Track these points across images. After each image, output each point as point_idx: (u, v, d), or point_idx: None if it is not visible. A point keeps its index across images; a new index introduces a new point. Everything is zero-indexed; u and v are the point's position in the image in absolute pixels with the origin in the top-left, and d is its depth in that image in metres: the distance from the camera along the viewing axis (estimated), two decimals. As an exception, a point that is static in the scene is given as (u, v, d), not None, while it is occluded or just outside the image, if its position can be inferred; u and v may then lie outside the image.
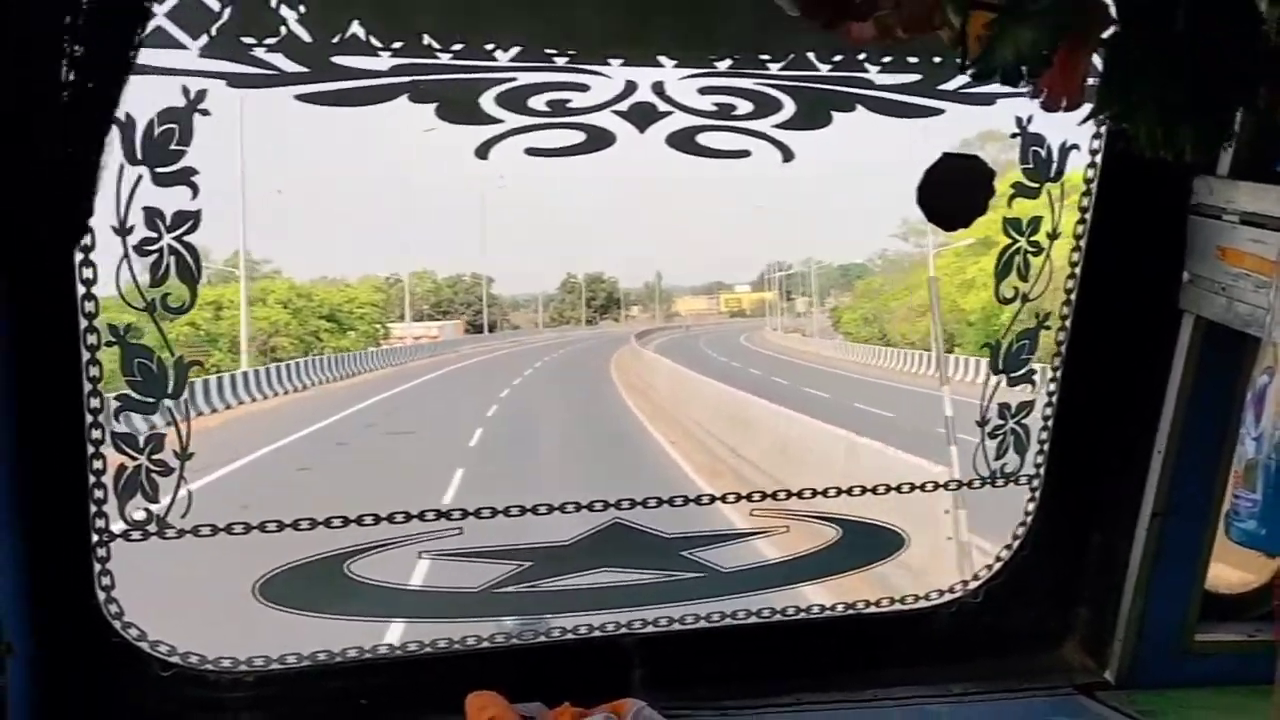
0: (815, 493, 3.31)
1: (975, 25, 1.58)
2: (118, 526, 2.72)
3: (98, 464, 2.64)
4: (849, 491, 3.38)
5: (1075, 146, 2.97)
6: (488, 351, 59.45)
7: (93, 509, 2.67)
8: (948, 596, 3.39)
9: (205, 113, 2.49)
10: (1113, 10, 1.57)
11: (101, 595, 2.73)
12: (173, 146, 2.48)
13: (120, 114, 2.41)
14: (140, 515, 2.73)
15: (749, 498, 3.33)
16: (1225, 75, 1.55)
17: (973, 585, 3.39)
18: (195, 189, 2.53)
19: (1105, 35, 1.58)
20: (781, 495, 3.33)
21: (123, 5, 2.15)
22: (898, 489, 3.50)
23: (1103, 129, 2.83)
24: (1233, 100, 1.63)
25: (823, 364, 49.55)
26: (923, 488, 3.57)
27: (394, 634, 3.04)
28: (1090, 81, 1.67)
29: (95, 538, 2.69)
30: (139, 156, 2.47)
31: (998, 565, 3.38)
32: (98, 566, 2.71)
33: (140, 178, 2.48)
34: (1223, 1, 1.56)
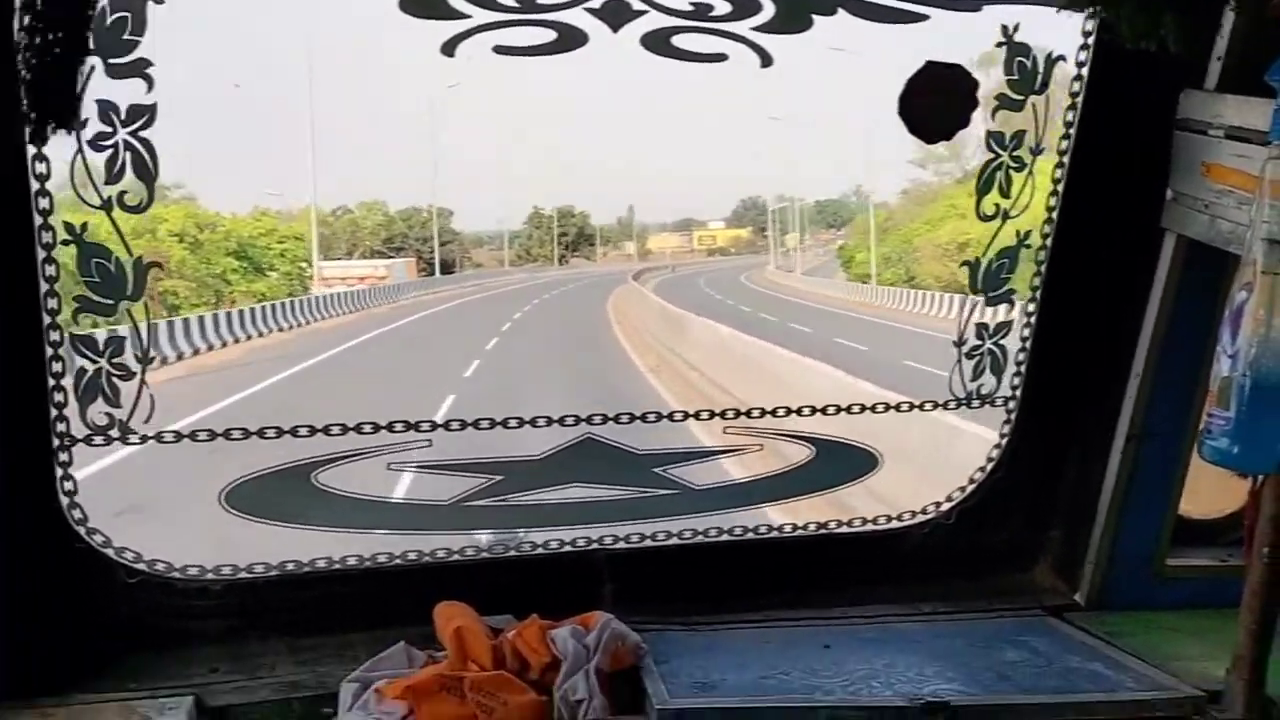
0: (789, 411, 3.28)
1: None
2: (79, 430, 2.68)
3: (57, 366, 2.60)
4: (824, 410, 3.35)
5: (1062, 58, 2.89)
6: (442, 300, 46.41)
7: (53, 412, 2.62)
8: (920, 517, 3.39)
9: (159, 0, 2.40)
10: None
11: (64, 500, 2.71)
12: (126, 36, 2.39)
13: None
14: (102, 420, 2.69)
15: (722, 415, 3.30)
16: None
17: (946, 506, 3.39)
18: (150, 82, 2.45)
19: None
20: (756, 413, 3.31)
21: None
22: (872, 409, 3.48)
23: (1089, 39, 2.75)
24: None
25: (884, 316, 37.16)
26: (897, 408, 3.55)
27: (363, 545, 3.01)
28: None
29: (56, 442, 2.65)
30: (91, 47, 2.38)
31: (971, 487, 3.38)
32: (60, 471, 2.68)
33: (93, 69, 2.39)
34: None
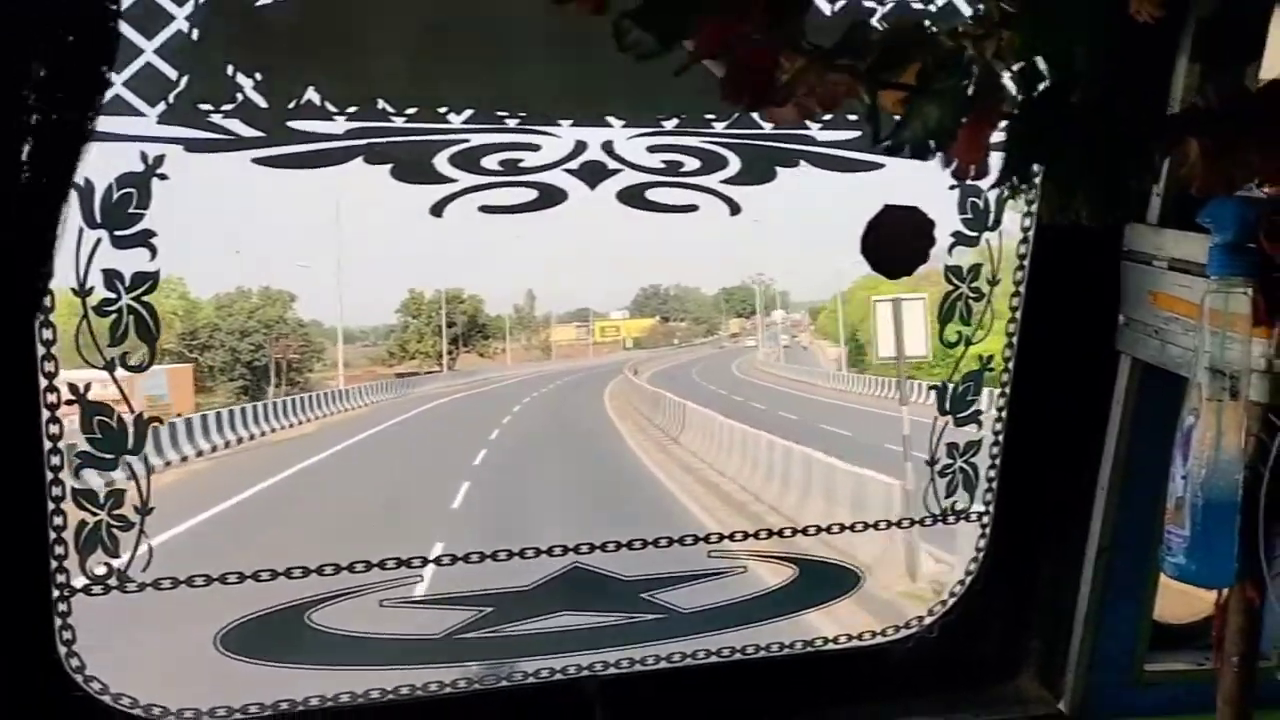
0: (771, 533, 3.38)
1: (887, 101, 1.68)
2: (79, 581, 2.75)
3: (58, 520, 2.68)
4: (804, 531, 3.45)
5: (1012, 196, 3.07)
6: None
7: (53, 564, 2.70)
8: (904, 632, 3.46)
9: (163, 177, 2.56)
10: (1012, 89, 1.67)
11: (63, 650, 2.76)
12: (131, 210, 2.54)
13: (79, 180, 2.48)
14: (101, 570, 2.76)
15: (706, 539, 3.39)
16: (1114, 144, 1.65)
17: (928, 620, 3.46)
18: (154, 250, 2.60)
19: (1005, 111, 1.68)
20: (739, 536, 3.40)
21: (81, 76, 2.22)
22: (850, 528, 3.58)
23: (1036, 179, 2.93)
24: (1123, 166, 1.73)
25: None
26: (875, 526, 3.65)
27: (357, 683, 3.06)
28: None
29: (56, 593, 2.72)
30: (98, 220, 2.53)
31: (951, 600, 3.46)
32: (59, 621, 2.74)
33: (99, 241, 2.54)
34: (1118, 77, 1.67)
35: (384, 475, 24.73)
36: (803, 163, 2.89)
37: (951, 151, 1.68)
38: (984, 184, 1.78)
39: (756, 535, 3.38)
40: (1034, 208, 3.04)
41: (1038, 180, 1.82)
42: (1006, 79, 1.66)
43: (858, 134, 2.89)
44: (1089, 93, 1.63)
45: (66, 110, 2.18)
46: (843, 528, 3.58)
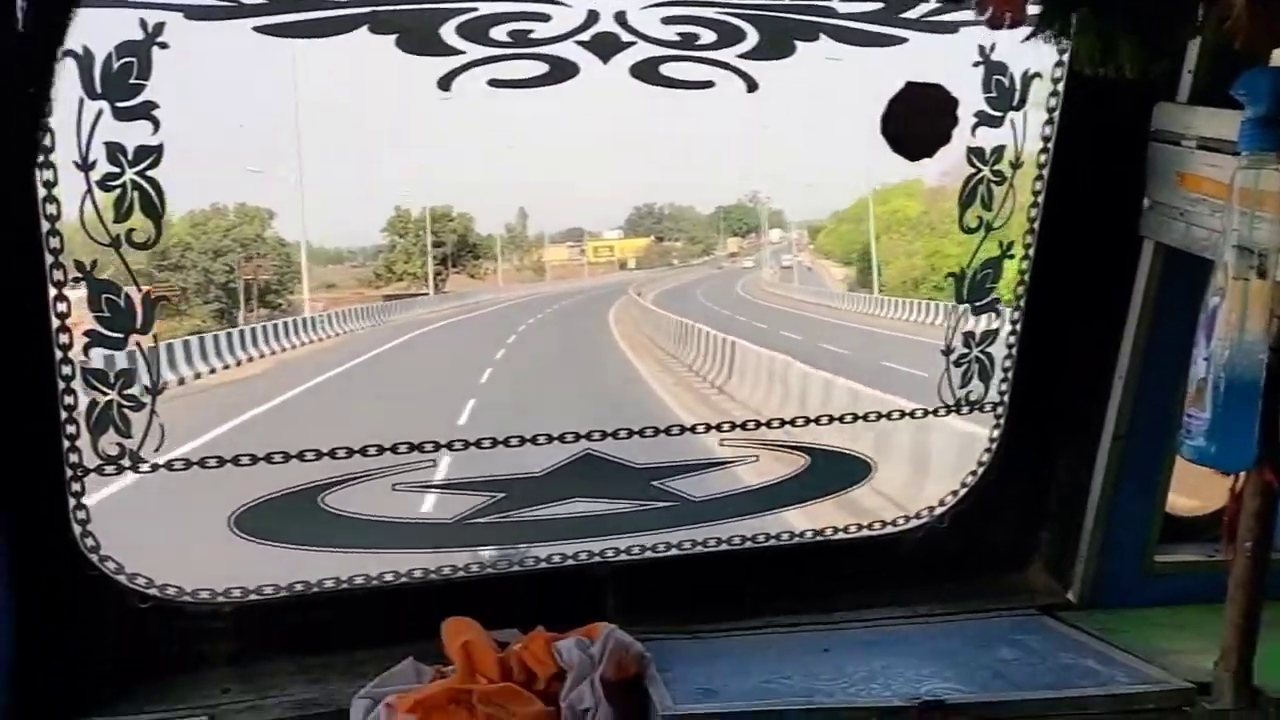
0: (784, 422, 3.36)
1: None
2: (91, 461, 2.75)
3: (69, 399, 2.67)
4: (817, 420, 3.43)
5: (1038, 75, 2.98)
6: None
7: (66, 444, 2.69)
8: (914, 522, 3.47)
9: (164, 45, 2.48)
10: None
11: (77, 529, 2.78)
12: (132, 80, 2.46)
13: (78, 47, 2.41)
14: (114, 450, 2.76)
15: (719, 428, 3.38)
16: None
17: (939, 510, 3.47)
18: (156, 124, 2.53)
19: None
20: (751, 425, 3.38)
21: None
22: (864, 417, 3.56)
23: (1064, 57, 2.84)
24: (1170, 19, 1.65)
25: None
26: (888, 416, 3.63)
27: (371, 565, 3.08)
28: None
29: (69, 472, 2.72)
30: (98, 91, 2.46)
31: (964, 490, 3.46)
32: (73, 501, 2.75)
33: (101, 112, 2.47)
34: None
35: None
36: (823, 36, 2.79)
37: None
38: (1018, 33, 1.70)
39: (769, 424, 3.36)
40: (1060, 86, 2.95)
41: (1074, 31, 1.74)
42: None
43: (880, 5, 2.79)
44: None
45: None
46: (855, 418, 3.55)
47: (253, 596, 2.97)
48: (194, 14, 2.50)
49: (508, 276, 64.86)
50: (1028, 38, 1.84)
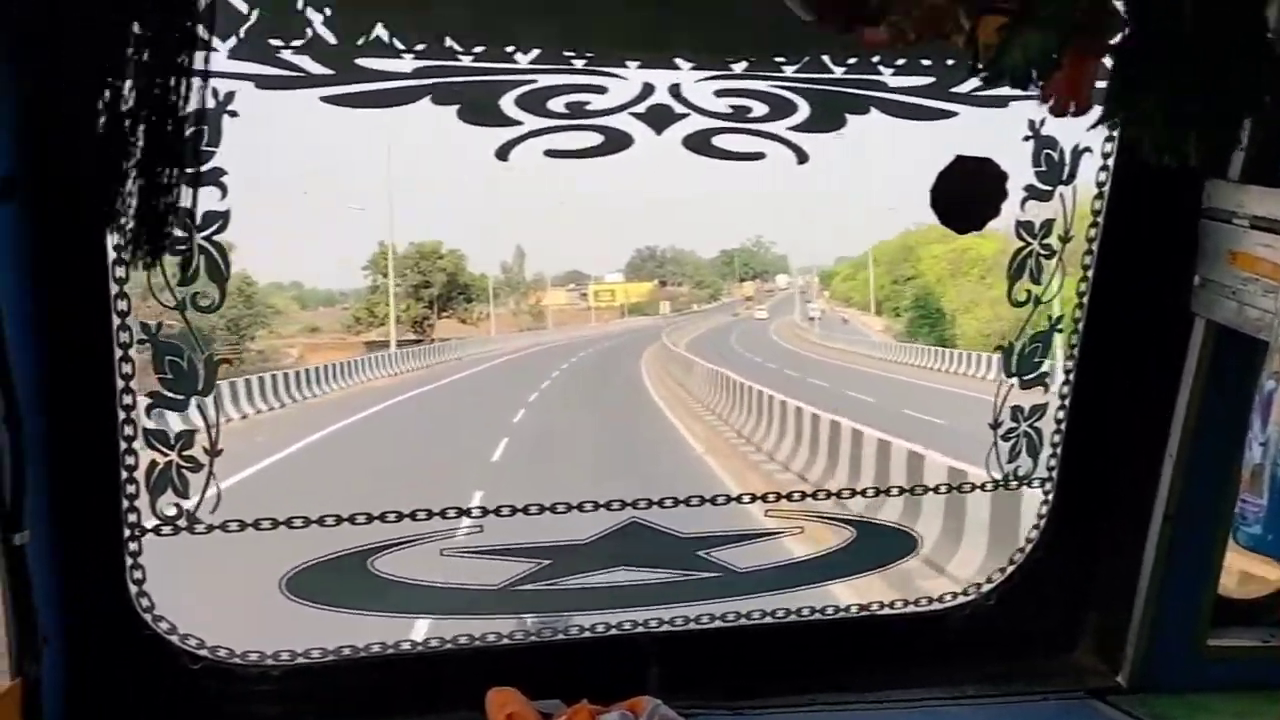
0: (829, 494, 3.34)
1: (986, 29, 1.62)
2: (149, 521, 2.78)
3: (130, 460, 2.70)
4: (863, 493, 3.41)
5: (1088, 150, 3.00)
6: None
7: (125, 504, 2.73)
8: (961, 599, 3.42)
9: (234, 114, 2.56)
10: (1123, 15, 1.61)
11: (133, 589, 2.80)
12: (203, 147, 2.54)
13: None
14: (171, 510, 2.79)
15: (764, 498, 3.36)
16: (1233, 84, 1.58)
17: (986, 588, 3.41)
18: (224, 189, 2.60)
19: (1114, 41, 1.62)
20: (797, 496, 3.36)
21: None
22: (910, 491, 3.53)
23: (1115, 133, 2.86)
24: (1240, 108, 1.66)
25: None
26: (936, 490, 3.60)
27: (417, 630, 3.08)
28: (1100, 85, 1.71)
29: (128, 532, 2.75)
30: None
31: (1011, 568, 3.41)
32: (130, 561, 2.78)
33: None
34: (1230, 9, 1.60)
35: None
36: (873, 109, 2.84)
37: (1052, 83, 1.63)
38: (1086, 120, 1.71)
39: (814, 495, 3.35)
40: (1110, 161, 2.96)
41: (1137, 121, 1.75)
42: (1117, 2, 1.59)
43: (931, 80, 2.84)
44: (1200, 26, 1.56)
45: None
46: (901, 490, 3.52)
47: (300, 660, 2.97)
48: (264, 84, 2.58)
49: (503, 322, 60.51)
50: (1094, 126, 1.86)
